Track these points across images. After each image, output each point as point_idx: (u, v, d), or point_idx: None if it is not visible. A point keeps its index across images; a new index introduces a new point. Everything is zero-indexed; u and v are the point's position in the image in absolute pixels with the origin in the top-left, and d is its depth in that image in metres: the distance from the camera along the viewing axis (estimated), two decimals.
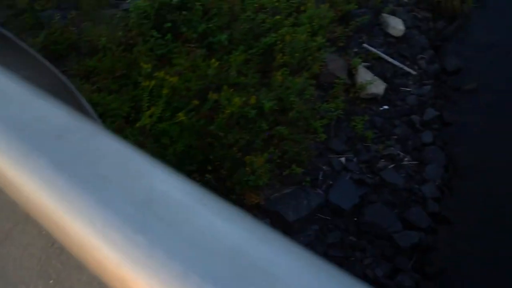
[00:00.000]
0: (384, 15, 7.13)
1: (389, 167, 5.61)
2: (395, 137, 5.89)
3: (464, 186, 5.60)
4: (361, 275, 4.76)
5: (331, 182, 5.37)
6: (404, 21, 7.21)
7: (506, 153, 5.75)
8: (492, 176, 5.59)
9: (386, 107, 6.15)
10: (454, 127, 6.16)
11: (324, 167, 5.48)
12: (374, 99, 6.18)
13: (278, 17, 5.96)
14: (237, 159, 4.89)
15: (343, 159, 5.58)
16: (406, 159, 5.72)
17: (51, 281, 1.04)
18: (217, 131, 4.79)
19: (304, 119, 5.48)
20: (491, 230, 5.14)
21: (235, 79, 5.27)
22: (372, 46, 6.67)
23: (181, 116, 4.68)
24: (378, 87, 6.17)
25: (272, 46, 5.78)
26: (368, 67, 6.40)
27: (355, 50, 6.53)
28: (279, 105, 5.41)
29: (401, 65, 6.58)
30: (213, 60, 5.15)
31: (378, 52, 6.59)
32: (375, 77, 6.21)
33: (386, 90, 6.28)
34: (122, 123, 4.61)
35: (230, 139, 4.84)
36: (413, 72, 6.57)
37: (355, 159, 5.61)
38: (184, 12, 5.30)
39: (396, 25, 6.99)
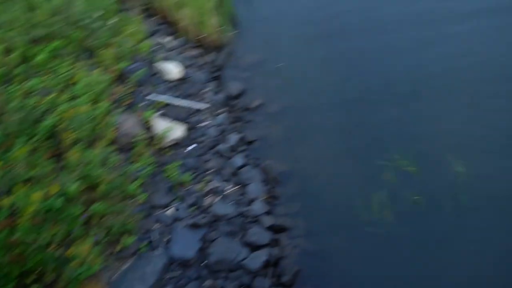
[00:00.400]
0: (158, 63, 7.30)
1: (216, 200, 5.68)
2: (211, 170, 6.02)
3: (285, 190, 6.00)
4: None
5: (168, 238, 5.20)
6: (179, 63, 7.49)
7: (306, 148, 6.37)
8: (303, 173, 6.12)
9: (193, 146, 6.25)
10: (258, 143, 6.59)
11: (155, 226, 5.29)
12: (179, 143, 6.23)
13: (50, 96, 5.60)
14: (59, 256, 4.38)
15: (171, 211, 5.46)
16: (228, 187, 5.88)
17: None
18: (25, 237, 4.22)
19: (117, 187, 5.22)
20: (320, 221, 5.61)
21: (26, 174, 4.74)
22: (158, 95, 6.73)
23: None
24: (178, 131, 6.24)
25: (55, 127, 5.39)
26: (162, 116, 6.44)
27: (143, 103, 6.51)
28: (86, 183, 5.05)
29: (191, 104, 6.79)
30: None
31: (166, 99, 6.69)
32: (172, 123, 6.28)
33: (187, 131, 6.40)
34: None
35: (44, 239, 4.31)
36: (205, 107, 6.83)
37: (182, 206, 5.54)
38: None
39: (173, 69, 7.21)
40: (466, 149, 5.92)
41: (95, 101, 6.01)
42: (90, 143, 5.52)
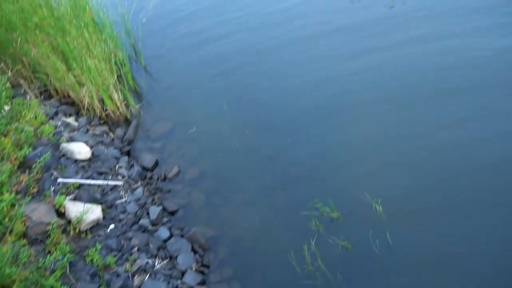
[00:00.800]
0: (64, 145, 6.96)
1: (146, 279, 5.36)
2: (136, 248, 5.71)
3: (216, 256, 5.85)
4: None
5: None
6: (86, 142, 7.22)
7: (230, 209, 6.32)
8: (231, 235, 6.04)
9: (112, 226, 5.91)
10: (181, 211, 6.42)
11: None
12: (97, 225, 5.88)
13: None
14: None
15: None
16: (156, 263, 5.60)
17: None
18: None
19: (33, 283, 4.73)
20: (256, 282, 5.51)
21: None
22: (68, 178, 6.37)
23: None
24: (94, 212, 5.89)
25: None
26: (75, 199, 6.06)
27: (53, 188, 6.11)
28: None
29: (105, 182, 6.50)
30: None
31: (77, 180, 6.35)
32: (87, 204, 5.92)
33: (104, 210, 6.07)
34: None
35: None
36: (120, 183, 6.57)
37: None
38: None
39: (81, 149, 6.91)
40: (378, 182, 6.21)
41: None
42: None
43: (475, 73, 7.51)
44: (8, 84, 8.10)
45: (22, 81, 8.59)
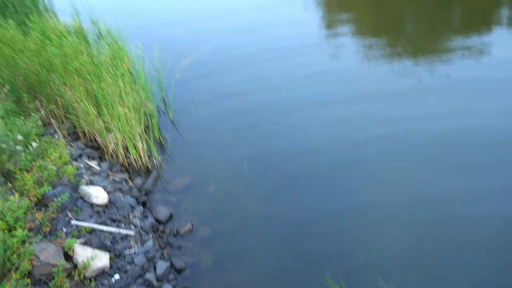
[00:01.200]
0: (83, 187, 7.03)
1: None
2: None
3: None
4: None
5: None
6: (104, 187, 7.27)
7: (238, 274, 6.17)
8: None
9: (117, 276, 5.82)
10: (188, 270, 6.29)
11: None
12: (102, 273, 5.79)
13: None
14: None
15: None
16: None
17: None
18: None
19: None
20: None
21: None
22: (81, 221, 6.38)
23: None
24: (101, 259, 5.83)
25: None
26: (85, 243, 6.03)
27: (65, 230, 6.10)
28: None
29: (117, 230, 6.47)
30: None
31: (90, 225, 6.34)
32: (96, 251, 5.88)
33: (111, 259, 6.00)
34: None
35: None
36: (131, 233, 6.53)
37: None
38: None
39: (98, 194, 6.96)
40: (392, 263, 6.03)
41: (10, 228, 5.55)
42: (2, 276, 4.96)
43: (490, 153, 7.60)
44: (39, 122, 8.36)
45: (53, 121, 8.85)
